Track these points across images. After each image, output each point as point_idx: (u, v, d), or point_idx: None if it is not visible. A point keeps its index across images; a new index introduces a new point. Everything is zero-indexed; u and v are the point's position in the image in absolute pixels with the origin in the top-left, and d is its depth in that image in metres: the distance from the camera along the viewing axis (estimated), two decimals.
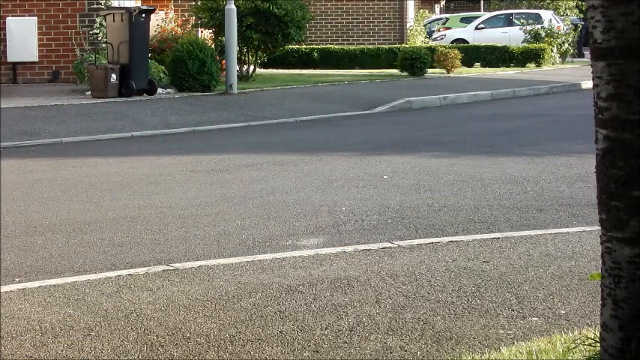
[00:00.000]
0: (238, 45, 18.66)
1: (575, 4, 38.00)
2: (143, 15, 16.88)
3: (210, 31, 21.09)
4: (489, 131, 12.99)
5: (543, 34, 29.09)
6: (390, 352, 3.93)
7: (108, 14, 17.25)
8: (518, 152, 10.58)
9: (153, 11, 17.45)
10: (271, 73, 22.99)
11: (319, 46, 26.88)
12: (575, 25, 31.44)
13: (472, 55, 26.91)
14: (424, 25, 32.10)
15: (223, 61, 18.28)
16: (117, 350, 4.04)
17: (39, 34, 19.51)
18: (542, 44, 27.92)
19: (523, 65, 26.66)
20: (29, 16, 19.50)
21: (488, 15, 36.53)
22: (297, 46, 25.22)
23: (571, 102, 17.50)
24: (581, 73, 23.62)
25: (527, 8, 39.21)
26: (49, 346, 4.10)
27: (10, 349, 4.08)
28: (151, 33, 18.39)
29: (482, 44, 28.03)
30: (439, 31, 35.89)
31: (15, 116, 14.16)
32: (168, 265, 5.59)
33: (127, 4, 19.45)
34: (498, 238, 6.11)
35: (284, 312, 4.52)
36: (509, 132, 12.81)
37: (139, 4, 20.32)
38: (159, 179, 9.21)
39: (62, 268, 5.75)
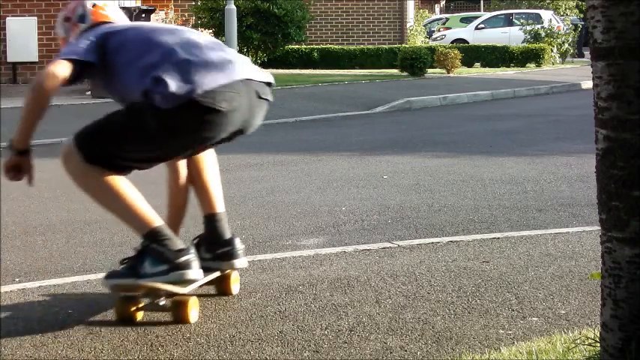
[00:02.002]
0: (238, 45, 18.69)
1: (575, 4, 38.03)
2: (143, 15, 16.89)
3: (210, 31, 21.11)
4: (489, 131, 13.00)
5: (543, 34, 29.13)
6: (390, 352, 3.93)
7: None
8: (518, 152, 10.58)
9: (153, 11, 17.47)
10: (271, 73, 22.99)
11: (319, 46, 26.90)
12: (575, 25, 31.46)
13: (472, 55, 26.93)
14: (424, 25, 32.10)
15: None
16: (117, 350, 4.03)
17: (39, 34, 19.51)
18: (542, 44, 27.94)
19: (523, 65, 26.67)
20: (29, 16, 19.50)
21: (488, 15, 36.58)
22: (297, 46, 25.23)
23: (571, 102, 17.51)
24: (581, 73, 23.63)
25: (527, 8, 39.24)
26: (49, 346, 4.10)
27: (10, 349, 4.08)
28: None
29: (483, 44, 28.05)
30: (439, 31, 35.93)
31: (15, 116, 14.14)
32: None
33: (127, 4, 19.46)
34: (498, 238, 6.11)
35: (284, 312, 4.52)
36: (509, 132, 12.81)
37: (139, 4, 20.33)
38: (159, 179, 9.19)
39: (62, 268, 5.75)
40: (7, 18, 19.39)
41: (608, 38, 3.03)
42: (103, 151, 4.19)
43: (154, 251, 4.17)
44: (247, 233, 6.68)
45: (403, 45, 26.40)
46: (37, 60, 19.56)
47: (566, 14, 36.82)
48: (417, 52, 22.35)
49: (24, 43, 19.41)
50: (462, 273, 5.19)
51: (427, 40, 31.36)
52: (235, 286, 4.77)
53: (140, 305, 4.34)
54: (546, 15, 32.54)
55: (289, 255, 5.76)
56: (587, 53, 29.91)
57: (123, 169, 4.28)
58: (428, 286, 4.93)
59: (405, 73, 22.37)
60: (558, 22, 31.34)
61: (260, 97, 4.34)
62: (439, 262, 5.45)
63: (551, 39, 28.95)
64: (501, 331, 4.18)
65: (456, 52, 23.66)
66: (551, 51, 28.08)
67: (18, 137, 4.28)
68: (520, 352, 3.78)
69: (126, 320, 4.32)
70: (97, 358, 3.97)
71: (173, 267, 4.15)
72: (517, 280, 5.02)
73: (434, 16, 41.79)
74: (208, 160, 4.64)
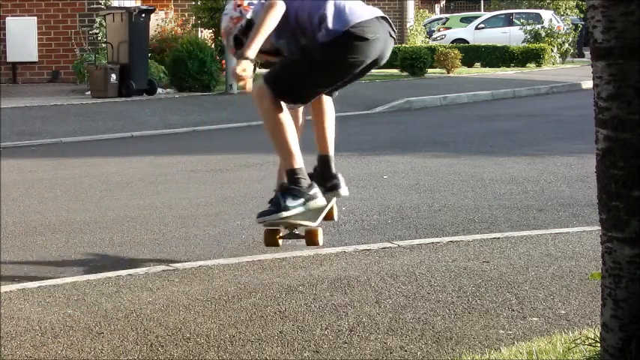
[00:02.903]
0: None
1: (575, 4, 38.00)
2: (143, 15, 16.89)
3: (210, 31, 21.09)
4: (489, 131, 13.00)
5: (543, 34, 29.11)
6: (390, 352, 3.93)
7: (108, 14, 17.26)
8: (518, 152, 10.58)
9: (153, 11, 17.46)
10: None
11: None
12: (576, 25, 31.45)
13: (472, 55, 26.93)
14: (424, 25, 32.08)
15: (223, 61, 18.28)
16: (117, 350, 4.04)
17: (39, 34, 19.52)
18: (542, 44, 27.94)
19: (523, 65, 26.67)
20: (29, 16, 19.51)
21: (488, 15, 36.59)
22: None
23: (571, 102, 17.51)
24: (581, 73, 23.63)
25: (527, 8, 39.21)
26: (49, 346, 4.10)
27: (10, 349, 4.08)
28: (151, 33, 18.40)
29: (483, 44, 28.05)
30: (439, 31, 35.92)
31: (15, 116, 14.17)
32: (168, 265, 5.59)
33: (127, 4, 19.46)
34: (498, 238, 6.11)
35: (284, 312, 4.52)
36: (509, 132, 12.81)
37: (139, 4, 20.33)
38: (159, 179, 9.21)
39: (62, 268, 5.75)
40: (7, 18, 19.39)
41: (609, 38, 3.02)
42: (288, 84, 5.57)
43: (291, 190, 5.56)
44: (247, 233, 6.68)
45: (403, 45, 26.38)
46: (36, 60, 19.55)
47: (566, 14, 36.80)
48: (417, 52, 22.35)
49: (24, 43, 19.41)
50: (462, 273, 5.19)
51: (427, 40, 31.34)
52: (336, 213, 6.17)
53: (282, 234, 5.74)
54: (546, 15, 32.54)
55: (289, 255, 5.75)
56: (587, 53, 29.91)
57: (302, 99, 5.81)
58: (428, 286, 4.93)
59: (405, 73, 22.36)
60: (558, 22, 31.34)
61: (390, 36, 5.66)
62: (439, 262, 5.45)
63: (552, 39, 28.94)
64: (501, 331, 4.18)
65: (456, 52, 23.66)
66: (552, 51, 28.07)
67: (250, 49, 5.35)
68: (520, 352, 3.78)
69: (272, 246, 5.72)
70: (97, 358, 3.97)
71: (307, 199, 5.56)
72: (517, 280, 5.01)
73: (434, 16, 41.78)
74: (330, 111, 6.21)
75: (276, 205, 5.57)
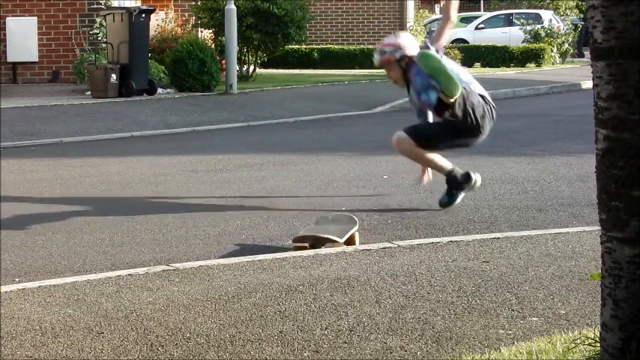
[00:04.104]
0: (238, 45, 18.65)
1: (575, 4, 37.95)
2: (143, 15, 16.88)
3: (210, 31, 21.08)
4: (489, 131, 12.96)
5: (543, 34, 29.08)
6: (390, 352, 3.93)
7: (108, 14, 17.25)
8: (518, 152, 10.58)
9: (153, 11, 17.44)
10: (271, 73, 22.98)
11: (319, 46, 26.87)
12: (575, 25, 31.42)
13: (472, 55, 26.89)
14: (424, 25, 32.03)
15: (223, 61, 18.27)
16: (117, 350, 4.04)
17: (39, 34, 19.50)
18: (542, 44, 27.91)
19: (523, 65, 26.65)
20: (29, 16, 19.49)
21: (488, 15, 36.55)
22: (297, 46, 25.20)
23: (571, 102, 17.50)
24: (581, 73, 23.61)
25: (527, 8, 39.17)
26: (49, 346, 4.10)
27: (10, 349, 4.08)
28: (151, 33, 18.38)
29: (483, 44, 28.02)
30: None
31: (15, 116, 14.16)
32: (168, 265, 5.59)
33: (127, 4, 19.45)
34: (498, 238, 6.11)
35: (284, 312, 4.52)
36: (509, 132, 12.80)
37: (139, 4, 20.32)
38: (159, 179, 9.20)
39: (62, 268, 5.75)
40: (7, 18, 19.38)
41: (608, 38, 3.02)
42: (423, 138, 7.29)
43: (452, 185, 7.43)
44: (247, 233, 6.68)
45: None
46: (36, 60, 19.54)
47: (566, 14, 36.76)
48: None
49: (24, 43, 19.40)
50: (462, 273, 5.19)
51: (427, 40, 31.29)
52: (358, 241, 6.33)
53: (306, 247, 6.09)
54: (546, 15, 32.49)
55: (289, 255, 5.76)
56: (587, 53, 29.89)
57: (434, 148, 7.38)
58: (428, 286, 4.93)
59: None
60: (558, 22, 31.31)
61: (492, 117, 7.74)
62: (439, 262, 5.45)
63: (551, 39, 28.91)
64: (501, 331, 4.18)
65: (456, 52, 23.64)
66: (551, 51, 28.06)
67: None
68: (520, 352, 3.78)
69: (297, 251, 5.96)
70: (97, 358, 3.97)
71: (467, 185, 7.45)
72: (517, 280, 5.02)
73: (434, 16, 41.71)
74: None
75: (451, 195, 7.37)
